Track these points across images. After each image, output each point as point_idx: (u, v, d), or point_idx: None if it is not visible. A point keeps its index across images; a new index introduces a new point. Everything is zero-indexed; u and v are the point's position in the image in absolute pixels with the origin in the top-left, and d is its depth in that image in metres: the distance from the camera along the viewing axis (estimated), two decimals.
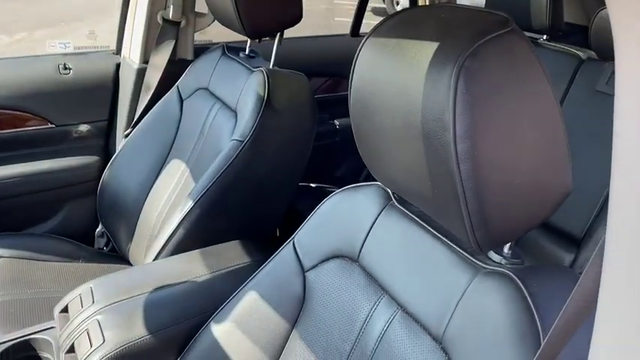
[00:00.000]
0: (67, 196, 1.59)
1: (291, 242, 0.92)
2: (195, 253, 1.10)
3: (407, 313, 0.72)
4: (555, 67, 1.64)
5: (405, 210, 0.79)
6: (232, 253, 1.11)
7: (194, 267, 1.06)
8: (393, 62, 0.61)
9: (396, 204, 0.81)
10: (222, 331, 0.90)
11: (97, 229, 1.61)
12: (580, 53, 1.69)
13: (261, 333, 0.87)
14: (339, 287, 0.82)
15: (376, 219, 0.81)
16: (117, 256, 1.49)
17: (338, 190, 0.90)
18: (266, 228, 1.31)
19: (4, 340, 1.00)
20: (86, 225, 1.61)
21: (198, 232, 1.14)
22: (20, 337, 1.00)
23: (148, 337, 0.91)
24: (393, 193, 0.83)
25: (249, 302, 0.90)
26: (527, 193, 0.58)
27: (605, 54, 1.56)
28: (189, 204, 1.14)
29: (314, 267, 0.87)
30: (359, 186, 0.87)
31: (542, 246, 1.47)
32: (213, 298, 0.97)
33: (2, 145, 1.52)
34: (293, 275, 0.89)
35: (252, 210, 1.23)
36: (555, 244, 1.46)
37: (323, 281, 0.85)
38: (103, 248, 1.59)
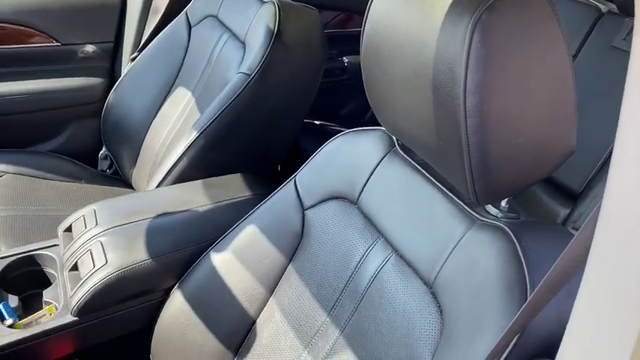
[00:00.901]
0: (72, 117, 1.59)
1: (293, 180, 0.93)
2: (197, 183, 1.12)
3: (400, 257, 0.74)
4: (573, 18, 1.59)
5: (407, 157, 0.80)
6: (234, 186, 1.13)
7: (196, 196, 1.08)
8: (409, 10, 0.60)
9: (399, 151, 0.82)
10: (221, 260, 0.93)
11: (101, 152, 1.62)
12: (601, 6, 1.64)
13: (259, 265, 0.90)
14: (336, 227, 0.85)
15: (378, 164, 0.82)
16: (120, 179, 1.51)
17: (342, 133, 0.91)
18: (268, 163, 1.32)
19: (8, 254, 1.03)
20: (90, 146, 1.62)
21: (201, 163, 1.15)
22: (25, 252, 1.03)
23: (149, 261, 0.94)
24: (397, 140, 0.83)
25: (248, 235, 0.93)
26: (531, 151, 0.59)
27: (627, 9, 1.52)
28: (194, 134, 1.14)
29: (313, 206, 0.89)
30: (363, 130, 0.88)
31: (539, 198, 1.49)
32: (214, 228, 0.99)
33: (6, 60, 1.51)
34: (292, 212, 0.91)
35: (255, 144, 1.24)
36: (552, 197, 1.48)
37: (321, 220, 0.87)
38: (106, 170, 1.61)
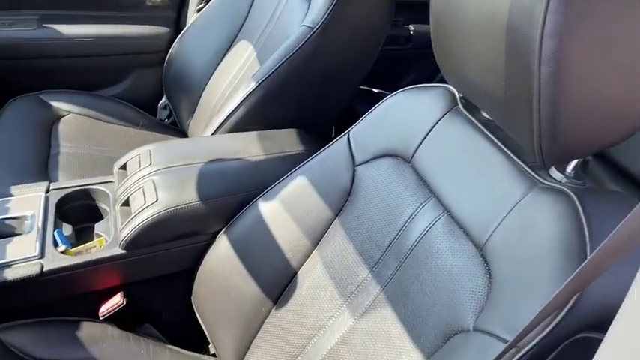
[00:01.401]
0: (136, 64, 1.62)
1: (346, 135, 0.91)
2: (251, 134, 1.12)
3: (452, 217, 0.72)
4: None
5: (469, 116, 0.76)
6: (287, 140, 1.12)
7: (249, 146, 1.07)
8: None
9: (462, 109, 0.78)
10: (268, 209, 0.93)
11: (161, 101, 1.65)
12: None
13: (305, 217, 0.89)
14: (387, 185, 0.82)
15: (437, 122, 0.79)
16: (177, 129, 1.53)
17: (403, 89, 0.88)
18: (322, 122, 1.30)
19: (67, 186, 1.06)
20: (151, 95, 1.65)
21: (257, 114, 1.15)
22: (81, 186, 1.07)
23: (198, 203, 0.95)
24: (461, 98, 0.79)
25: (297, 186, 0.92)
26: (603, 112, 0.54)
27: None
28: (252, 85, 1.13)
29: (365, 162, 0.87)
30: (425, 86, 0.84)
31: (603, 184, 1.41)
32: (264, 178, 0.99)
33: (78, 3, 1.54)
34: (343, 167, 0.89)
35: (311, 101, 1.22)
36: (617, 183, 1.39)
37: (372, 177, 0.85)
38: (164, 120, 1.64)
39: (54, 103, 1.43)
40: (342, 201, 0.87)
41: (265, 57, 1.22)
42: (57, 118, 1.41)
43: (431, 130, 0.79)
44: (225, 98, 1.28)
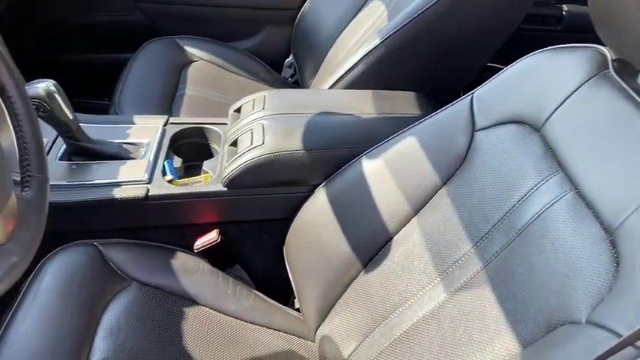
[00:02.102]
0: (267, 20, 1.63)
1: (470, 97, 0.82)
2: (366, 92, 1.07)
3: (580, 195, 0.61)
4: None
5: (621, 82, 0.64)
6: (403, 102, 1.05)
7: (362, 103, 1.02)
8: None
9: (612, 73, 0.66)
10: (371, 167, 0.87)
11: (287, 60, 1.65)
12: None
13: (410, 180, 0.82)
14: (508, 153, 0.73)
15: (580, 86, 0.67)
16: (298, 88, 1.53)
17: (541, 50, 0.77)
18: (443, 91, 1.20)
19: (183, 121, 1.09)
20: (279, 52, 1.65)
21: (376, 73, 1.09)
22: (197, 124, 1.09)
23: (303, 152, 0.92)
24: (614, 61, 0.67)
25: (406, 147, 0.85)
26: None
27: None
28: (376, 41, 1.07)
29: (487, 128, 0.78)
30: (570, 46, 0.73)
31: None
32: (372, 136, 0.93)
33: None
34: (460, 131, 0.80)
35: (435, 66, 1.13)
36: None
37: (492, 144, 0.76)
38: (287, 79, 1.64)
39: (187, 48, 1.49)
40: (453, 167, 0.79)
41: (395, 15, 1.15)
42: (188, 62, 1.46)
43: (570, 95, 0.68)
44: (348, 55, 1.24)
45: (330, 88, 1.13)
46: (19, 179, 0.68)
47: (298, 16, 1.53)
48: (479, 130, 0.78)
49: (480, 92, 0.81)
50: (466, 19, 1.06)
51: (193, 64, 1.46)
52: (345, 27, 1.37)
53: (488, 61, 1.22)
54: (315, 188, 0.94)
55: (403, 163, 0.84)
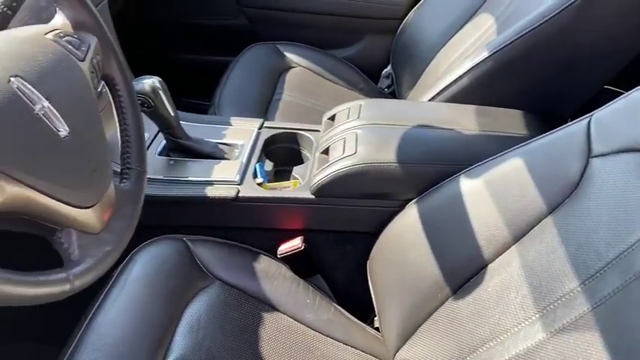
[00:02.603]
0: (368, 29, 1.62)
1: (587, 119, 0.75)
2: (469, 107, 1.01)
3: None
4: None
5: None
6: (509, 120, 0.99)
7: (463, 119, 0.97)
8: None
9: None
10: (469, 187, 0.82)
11: (385, 70, 1.62)
12: None
13: (512, 205, 0.76)
14: (629, 185, 0.65)
15: None
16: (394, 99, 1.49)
17: None
18: (554, 112, 1.11)
19: (277, 126, 1.10)
20: (377, 62, 1.63)
21: (481, 88, 1.03)
22: (290, 129, 1.09)
23: (395, 165, 0.88)
24: None
25: (510, 168, 0.79)
26: None
27: None
28: (484, 54, 1.02)
29: (605, 154, 0.70)
30: None
31: None
32: (472, 154, 0.88)
33: None
34: (574, 156, 0.73)
35: (547, 84, 1.05)
36: None
37: (610, 173, 0.68)
38: (384, 89, 1.61)
39: (287, 54, 1.50)
40: (562, 195, 0.72)
41: (508, 28, 1.08)
42: (287, 68, 1.47)
43: None
44: (450, 68, 1.19)
45: (429, 100, 1.09)
46: (118, 170, 0.70)
47: (401, 26, 1.49)
48: (595, 156, 0.71)
49: (599, 115, 0.74)
50: (587, 36, 0.98)
51: (292, 70, 1.47)
52: (450, 39, 1.32)
53: (606, 83, 1.12)
54: (406, 203, 0.90)
55: (506, 185, 0.78)
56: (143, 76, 0.92)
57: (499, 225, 0.76)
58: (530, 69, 1.02)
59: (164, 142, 1.02)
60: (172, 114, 0.94)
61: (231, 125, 1.10)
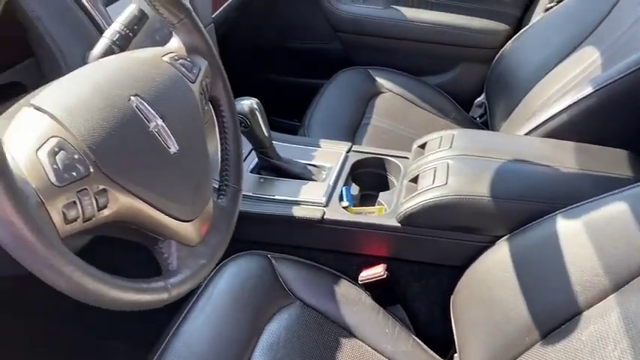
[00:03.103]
0: (464, 57, 1.60)
1: None
2: (569, 144, 0.96)
3: None
4: None
5: None
6: (614, 161, 0.93)
7: (563, 156, 0.93)
8: None
9: None
10: (566, 227, 0.78)
11: (478, 99, 1.59)
12: None
13: (613, 250, 0.71)
14: None
15: None
16: (486, 129, 1.46)
17: None
18: None
19: (366, 150, 1.10)
20: (470, 91, 1.61)
21: (582, 124, 0.98)
22: (378, 154, 1.09)
23: (488, 199, 0.86)
24: None
25: (614, 211, 0.74)
26: None
27: None
28: (587, 90, 0.97)
29: None
30: None
31: None
32: (572, 192, 0.84)
33: None
34: None
35: None
36: None
37: None
38: (476, 118, 1.58)
39: (378, 79, 1.52)
40: None
41: (614, 64, 1.03)
42: (377, 92, 1.48)
43: None
44: (549, 102, 1.14)
45: (525, 134, 1.05)
46: (216, 187, 0.73)
47: (497, 56, 1.46)
48: None
49: None
50: None
51: (382, 95, 1.48)
52: (549, 72, 1.27)
53: None
54: (495, 239, 0.87)
55: (608, 229, 0.74)
56: (242, 97, 0.95)
57: (598, 271, 0.72)
58: (636, 108, 0.96)
59: (256, 160, 1.05)
60: (267, 135, 0.98)
61: (320, 147, 1.12)
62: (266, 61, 1.79)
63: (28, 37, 0.76)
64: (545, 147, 0.96)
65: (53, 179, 0.46)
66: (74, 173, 0.47)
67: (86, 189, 0.48)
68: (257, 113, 0.95)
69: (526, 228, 0.84)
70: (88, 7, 0.84)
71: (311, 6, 1.66)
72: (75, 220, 0.47)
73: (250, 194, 0.99)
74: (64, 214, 0.47)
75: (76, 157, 0.48)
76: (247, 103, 0.94)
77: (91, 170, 0.49)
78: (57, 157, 0.47)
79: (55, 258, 0.44)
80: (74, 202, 0.47)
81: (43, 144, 0.48)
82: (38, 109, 0.50)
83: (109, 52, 0.69)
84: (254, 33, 1.73)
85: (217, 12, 1.28)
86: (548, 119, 1.02)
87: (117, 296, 0.48)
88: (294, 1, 1.69)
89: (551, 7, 1.39)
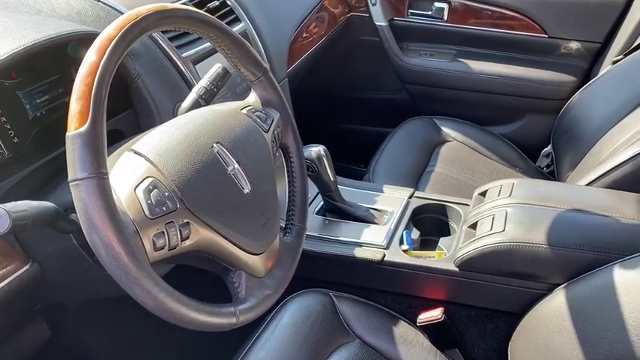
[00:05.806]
0: (530, 108, 1.61)
1: None
2: (631, 195, 0.96)
3: None
4: None
5: None
6: None
7: (623, 206, 0.93)
8: None
9: None
10: (626, 277, 0.78)
11: (545, 149, 1.59)
12: None
13: None
14: None
15: None
16: (552, 179, 1.45)
17: None
18: None
19: (427, 196, 1.14)
20: (536, 141, 1.61)
21: None
22: (440, 201, 1.13)
23: (546, 247, 0.87)
24: None
25: None
26: None
27: None
28: None
29: None
30: None
31: None
32: (631, 243, 0.84)
33: (493, 42, 1.63)
34: None
35: None
36: None
37: None
38: (542, 168, 1.57)
39: (444, 129, 1.56)
40: None
41: None
42: (442, 141, 1.52)
43: None
44: (615, 152, 1.14)
45: (589, 184, 1.06)
46: (283, 225, 0.81)
47: (565, 107, 1.47)
48: None
49: None
50: None
51: (447, 143, 1.51)
52: (617, 123, 1.27)
53: None
54: (553, 287, 0.88)
55: None
56: (311, 144, 1.04)
57: None
58: None
59: (322, 202, 1.12)
60: (332, 179, 1.05)
61: (383, 192, 1.17)
62: (336, 111, 1.89)
63: (129, 92, 0.88)
64: (606, 197, 0.97)
65: (147, 212, 0.55)
66: (164, 208, 0.56)
67: (173, 222, 0.57)
68: (324, 159, 1.02)
69: (583, 277, 0.84)
70: (180, 66, 0.97)
71: (381, 60, 1.75)
72: (162, 248, 0.56)
73: (315, 234, 1.05)
74: (154, 242, 0.55)
75: (167, 194, 0.57)
76: (315, 150, 1.02)
77: (178, 206, 0.57)
78: (151, 194, 0.56)
79: (145, 279, 0.52)
80: (162, 233, 0.56)
81: (140, 183, 0.57)
82: (137, 153, 0.60)
83: (196, 105, 0.79)
84: (326, 85, 1.84)
85: (292, 67, 1.39)
86: (611, 169, 1.02)
87: (194, 317, 0.55)
88: (366, 56, 1.79)
89: (619, 60, 1.39)
